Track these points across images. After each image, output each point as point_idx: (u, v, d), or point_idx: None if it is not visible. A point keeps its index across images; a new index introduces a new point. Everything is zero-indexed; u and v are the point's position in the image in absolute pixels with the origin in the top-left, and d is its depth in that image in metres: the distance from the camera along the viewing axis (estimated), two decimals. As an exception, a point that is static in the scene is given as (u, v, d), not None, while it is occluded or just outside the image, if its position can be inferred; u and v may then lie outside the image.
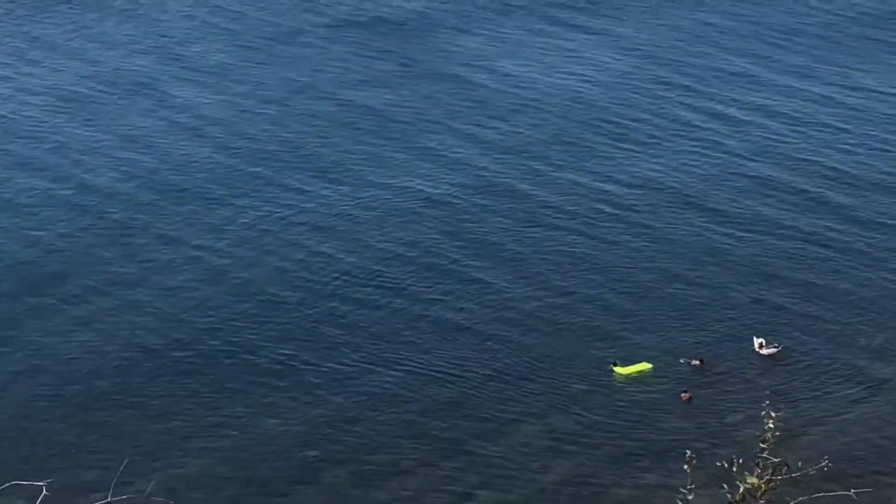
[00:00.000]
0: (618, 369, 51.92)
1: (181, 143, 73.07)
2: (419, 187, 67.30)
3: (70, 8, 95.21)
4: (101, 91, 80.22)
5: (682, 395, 50.61)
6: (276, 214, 64.87)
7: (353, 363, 52.78)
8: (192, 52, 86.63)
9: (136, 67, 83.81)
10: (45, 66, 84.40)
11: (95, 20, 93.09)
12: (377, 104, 78.02)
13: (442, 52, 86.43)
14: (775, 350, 52.98)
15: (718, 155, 71.05)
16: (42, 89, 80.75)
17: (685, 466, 14.58)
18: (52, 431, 49.05)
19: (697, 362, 52.31)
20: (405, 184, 67.73)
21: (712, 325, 55.31)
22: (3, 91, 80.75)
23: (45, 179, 68.85)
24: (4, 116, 76.99)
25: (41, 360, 53.40)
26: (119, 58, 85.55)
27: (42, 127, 75.42)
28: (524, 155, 71.05)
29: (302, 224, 63.91)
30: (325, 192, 67.12)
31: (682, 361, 52.40)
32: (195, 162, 70.71)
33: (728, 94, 78.84)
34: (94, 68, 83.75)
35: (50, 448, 48.11)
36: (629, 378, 51.73)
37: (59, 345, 54.35)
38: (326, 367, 52.60)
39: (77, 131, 74.64)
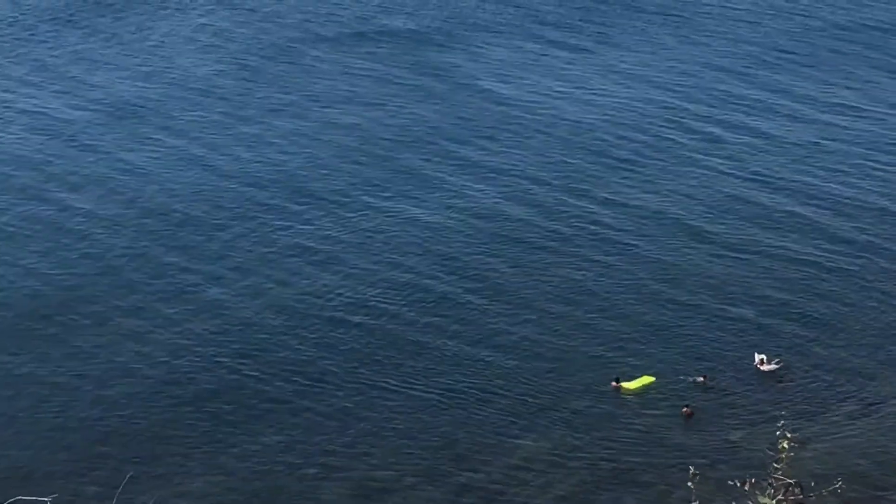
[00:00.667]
0: (625, 384, 52.03)
1: (177, 168, 72.83)
2: (411, 212, 67.17)
3: (62, 29, 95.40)
4: (93, 114, 79.91)
5: (684, 409, 50.75)
6: (271, 240, 64.46)
7: (351, 386, 52.69)
8: (185, 75, 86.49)
9: (129, 91, 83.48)
10: (38, 89, 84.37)
11: (83, 43, 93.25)
12: (370, 126, 77.81)
13: (434, 72, 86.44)
14: (776, 366, 53.17)
15: (714, 178, 71.17)
16: (34, 112, 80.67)
17: (689, 483, 14.71)
18: (56, 449, 49.08)
19: (701, 379, 52.47)
20: (397, 208, 67.55)
21: (712, 343, 55.43)
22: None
23: (39, 207, 68.54)
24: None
25: (42, 384, 53.27)
26: (113, 81, 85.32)
27: (32, 152, 75.16)
28: (517, 178, 70.93)
29: (298, 249, 63.50)
30: (320, 217, 66.61)
31: (690, 380, 52.45)
32: (191, 187, 70.41)
33: (724, 118, 78.90)
34: (88, 92, 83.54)
35: (54, 465, 48.19)
36: (632, 393, 51.80)
37: (60, 370, 54.19)
38: (325, 389, 52.57)
39: (69, 155, 74.43)
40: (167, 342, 55.85)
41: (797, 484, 13.46)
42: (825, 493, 14.53)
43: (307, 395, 52.13)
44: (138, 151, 74.73)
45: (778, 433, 13.73)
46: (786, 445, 13.66)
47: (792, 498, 13.72)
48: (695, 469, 14.76)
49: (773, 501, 13.82)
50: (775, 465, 13.70)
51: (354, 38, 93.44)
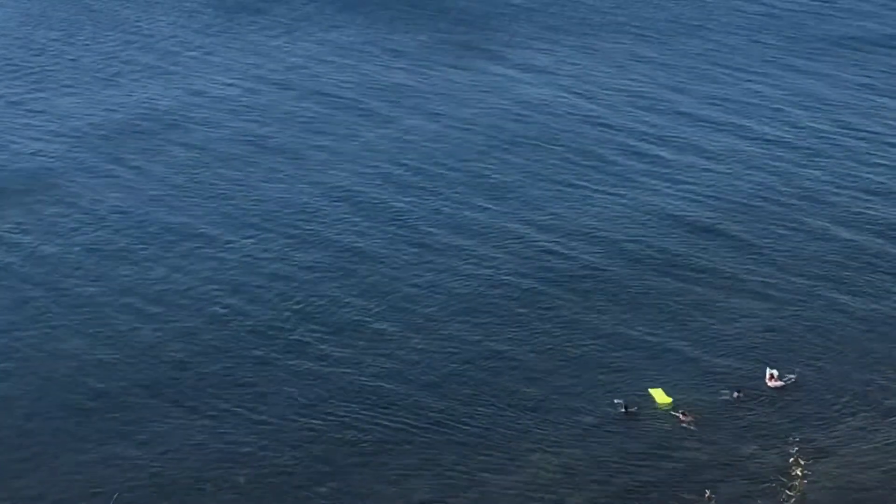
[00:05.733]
0: (659, 400, 52.06)
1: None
2: (349, 241, 66.46)
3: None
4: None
5: (682, 416, 50.89)
6: (195, 267, 64.23)
7: (365, 399, 52.90)
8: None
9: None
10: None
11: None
12: (297, 146, 77.77)
13: (367, 89, 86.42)
14: (787, 381, 53.21)
15: (714, 189, 71.49)
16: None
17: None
18: (49, 466, 49.17)
19: (736, 394, 52.52)
20: (333, 235, 67.12)
21: (723, 357, 55.52)
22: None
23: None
24: None
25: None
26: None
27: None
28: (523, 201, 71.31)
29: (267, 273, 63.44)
30: (248, 244, 66.26)
31: (730, 396, 52.47)
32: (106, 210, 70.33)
33: (696, 135, 79.22)
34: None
35: (45, 482, 48.27)
36: (656, 407, 51.89)
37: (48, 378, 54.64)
38: (336, 402, 52.75)
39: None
40: (137, 352, 56.10)
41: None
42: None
43: (318, 414, 52.11)
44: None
45: (791, 460, 13.60)
46: (799, 473, 13.56)
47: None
48: (710, 492, 14.62)
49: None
50: (788, 492, 13.60)
51: (278, 52, 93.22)
